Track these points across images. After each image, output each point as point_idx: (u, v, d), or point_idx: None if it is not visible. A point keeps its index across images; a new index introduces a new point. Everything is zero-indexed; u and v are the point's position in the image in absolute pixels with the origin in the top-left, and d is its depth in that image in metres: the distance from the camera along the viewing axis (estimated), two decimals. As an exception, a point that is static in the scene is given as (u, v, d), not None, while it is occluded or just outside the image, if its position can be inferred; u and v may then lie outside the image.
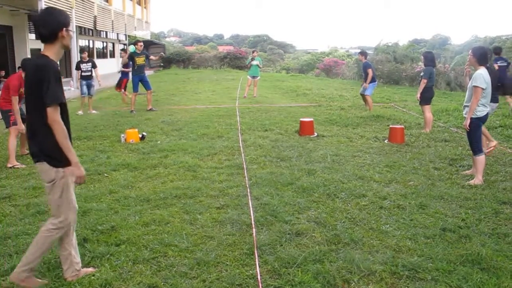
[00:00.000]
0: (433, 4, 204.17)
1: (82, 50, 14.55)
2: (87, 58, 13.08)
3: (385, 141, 8.58)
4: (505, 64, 11.49)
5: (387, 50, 26.36)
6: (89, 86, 12.85)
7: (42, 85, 3.06)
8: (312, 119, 9.56)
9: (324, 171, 6.42)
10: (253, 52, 17.57)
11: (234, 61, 35.04)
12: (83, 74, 12.78)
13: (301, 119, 9.53)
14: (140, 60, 12.93)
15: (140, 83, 12.99)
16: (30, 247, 3.36)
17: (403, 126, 9.02)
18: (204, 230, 4.40)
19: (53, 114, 3.07)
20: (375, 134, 9.31)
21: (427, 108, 9.55)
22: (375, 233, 4.35)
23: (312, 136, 9.02)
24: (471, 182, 5.97)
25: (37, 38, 3.18)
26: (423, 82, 9.29)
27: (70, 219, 3.35)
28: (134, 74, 13.07)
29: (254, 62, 16.42)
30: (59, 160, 3.17)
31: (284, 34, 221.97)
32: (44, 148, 3.17)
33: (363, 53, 13.15)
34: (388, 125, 9.53)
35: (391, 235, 4.30)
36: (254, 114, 11.94)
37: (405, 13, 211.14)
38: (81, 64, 12.80)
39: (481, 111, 5.97)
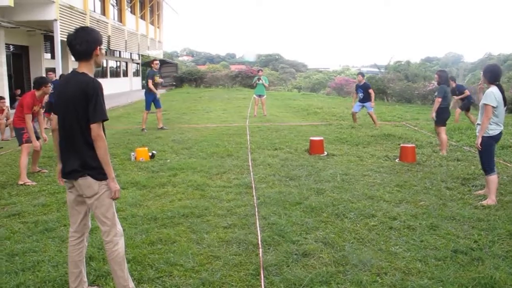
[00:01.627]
0: (445, 22, 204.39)
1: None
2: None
3: (396, 160, 8.49)
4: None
5: (398, 68, 26.34)
6: None
7: (88, 102, 3.11)
8: (322, 138, 9.52)
9: (333, 191, 6.36)
10: (258, 71, 17.70)
11: (246, 80, 35.24)
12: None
13: (311, 138, 9.50)
14: (157, 79, 13.14)
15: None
16: (113, 275, 3.39)
17: (414, 145, 8.93)
18: (211, 250, 4.35)
19: (98, 130, 3.13)
20: (386, 153, 9.23)
21: (443, 130, 9.18)
22: (384, 254, 4.26)
23: (322, 155, 8.97)
24: (484, 202, 5.86)
25: (74, 56, 3.27)
26: (438, 101, 8.97)
27: (119, 228, 3.37)
28: (147, 92, 13.19)
29: (260, 81, 16.57)
30: (102, 173, 3.20)
31: (296, 53, 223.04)
32: (88, 163, 3.19)
33: (362, 74, 14.23)
34: (399, 144, 9.44)
35: (400, 256, 4.21)
36: (264, 133, 11.94)
37: (418, 31, 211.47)
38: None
39: (493, 130, 5.88)
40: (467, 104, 13.89)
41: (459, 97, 13.74)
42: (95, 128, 3.11)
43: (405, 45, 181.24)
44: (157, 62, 13.48)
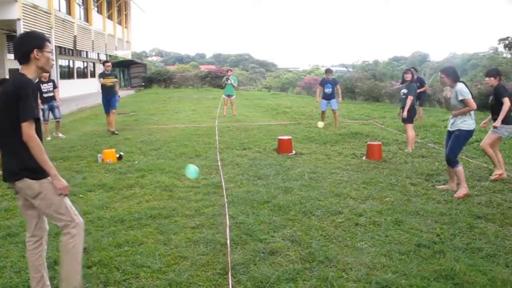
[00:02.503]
0: (412, 22, 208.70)
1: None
2: (47, 78, 11.60)
3: (363, 158, 8.63)
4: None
5: (366, 67, 26.77)
6: (52, 109, 11.67)
7: (19, 102, 3.03)
8: (290, 137, 9.59)
9: (301, 189, 6.42)
10: (227, 71, 17.67)
11: (215, 80, 35.12)
12: (44, 95, 11.39)
13: (280, 137, 9.55)
14: (108, 81, 12.29)
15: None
16: (64, 268, 3.29)
17: (380, 143, 9.10)
18: (178, 251, 4.34)
19: (29, 130, 3.04)
20: (353, 151, 9.37)
21: (411, 127, 9.38)
22: (350, 250, 4.33)
23: (290, 154, 9.03)
24: (458, 194, 6.06)
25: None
26: (410, 99, 9.13)
27: (78, 220, 3.29)
28: (102, 95, 12.51)
29: (229, 82, 16.54)
30: (40, 171, 3.13)
31: (266, 53, 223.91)
32: (23, 165, 3.12)
33: (330, 70, 14.09)
34: (366, 142, 9.59)
35: (366, 252, 4.29)
36: (233, 133, 11.94)
37: (385, 30, 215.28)
38: (41, 85, 11.32)
39: (471, 125, 6.24)
40: (423, 98, 14.19)
41: (419, 90, 13.68)
42: (25, 127, 3.03)
43: (373, 45, 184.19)
44: (109, 64, 12.81)
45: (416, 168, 7.68)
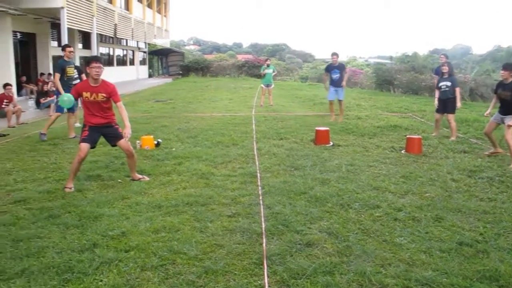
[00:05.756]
0: (454, 13, 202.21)
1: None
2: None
3: (402, 152, 8.44)
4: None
5: (406, 59, 26.16)
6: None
7: None
8: (328, 128, 9.48)
9: (338, 181, 6.33)
10: (266, 60, 17.53)
11: (252, 69, 35.09)
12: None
13: (317, 128, 9.45)
14: (70, 71, 9.91)
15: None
16: None
17: (420, 137, 8.87)
18: (214, 239, 4.35)
19: None
20: (392, 144, 9.18)
21: (453, 117, 9.92)
22: (388, 245, 4.24)
23: (327, 145, 8.93)
24: None
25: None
26: (458, 91, 9.89)
27: None
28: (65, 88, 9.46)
29: (268, 71, 16.40)
30: None
31: (303, 43, 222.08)
32: None
33: (337, 54, 12.52)
34: (405, 135, 9.38)
35: (405, 248, 4.19)
36: (270, 123, 11.90)
37: (425, 22, 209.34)
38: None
39: None
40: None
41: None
42: None
43: (413, 37, 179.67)
44: (71, 49, 10.02)
45: (457, 164, 7.45)
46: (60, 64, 9.88)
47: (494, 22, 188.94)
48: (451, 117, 9.87)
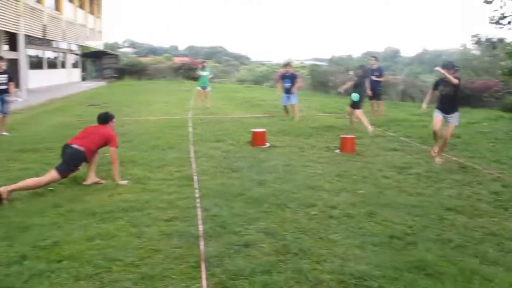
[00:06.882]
0: (385, 17, 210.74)
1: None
2: (3, 69, 10.62)
3: (336, 151, 8.69)
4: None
5: (340, 62, 27.02)
6: (3, 102, 10.58)
7: None
8: (264, 130, 9.58)
9: (275, 182, 6.41)
10: (202, 63, 17.48)
11: (189, 72, 34.83)
12: None
13: (253, 130, 9.53)
14: None
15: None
16: None
17: (354, 136, 9.17)
18: (151, 244, 4.27)
19: None
20: (327, 144, 9.42)
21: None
22: (324, 242, 4.35)
23: (264, 146, 9.02)
24: None
25: None
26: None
27: None
28: None
29: (204, 73, 16.35)
30: None
31: (240, 46, 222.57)
32: None
33: (290, 64, 14.35)
34: (339, 135, 9.66)
35: (339, 244, 4.32)
36: (207, 125, 11.85)
37: (358, 26, 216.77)
38: None
39: None
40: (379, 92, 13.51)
41: (379, 79, 13.28)
42: None
43: (346, 40, 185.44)
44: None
45: (388, 161, 7.78)
46: None
47: (420, 27, 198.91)
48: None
